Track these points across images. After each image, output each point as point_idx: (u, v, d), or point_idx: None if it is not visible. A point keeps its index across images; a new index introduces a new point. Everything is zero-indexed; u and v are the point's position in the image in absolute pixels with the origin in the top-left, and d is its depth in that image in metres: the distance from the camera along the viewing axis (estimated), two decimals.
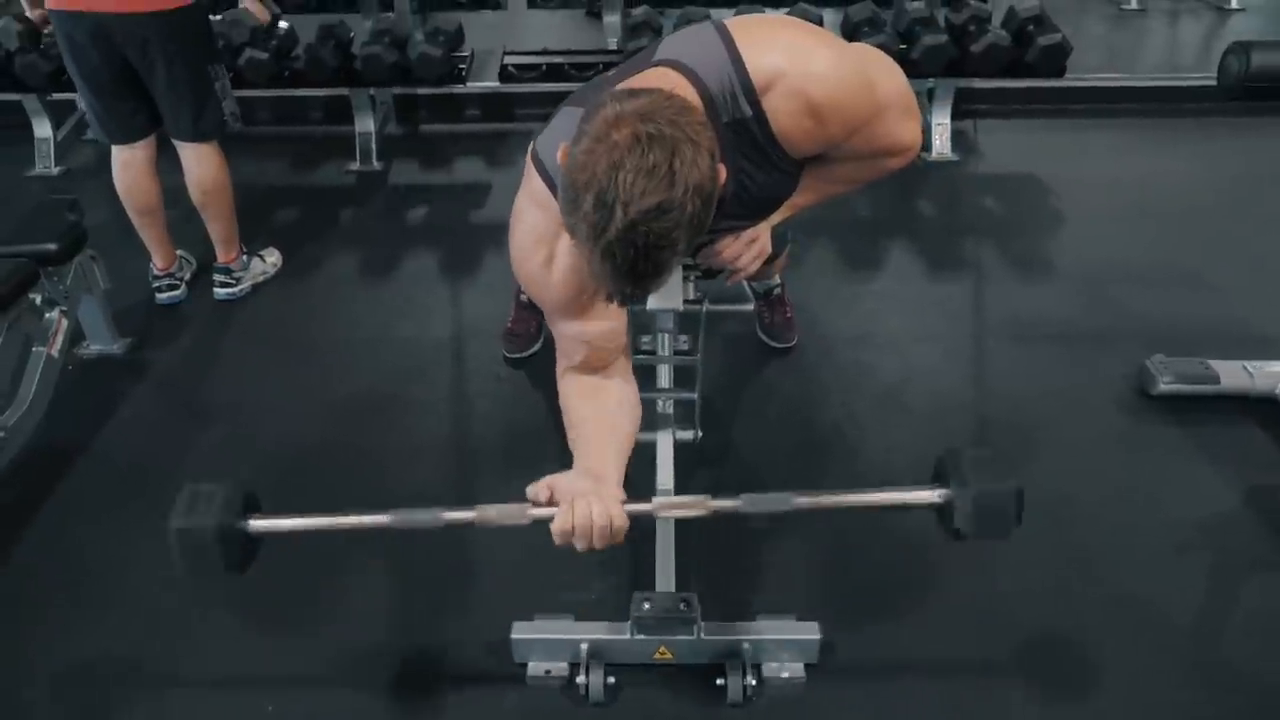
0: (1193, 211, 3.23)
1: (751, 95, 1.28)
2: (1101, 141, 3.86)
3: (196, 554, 1.31)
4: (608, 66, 3.49)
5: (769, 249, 1.56)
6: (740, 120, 1.30)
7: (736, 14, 3.15)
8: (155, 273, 2.79)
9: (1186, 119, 3.94)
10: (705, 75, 1.28)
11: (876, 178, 1.54)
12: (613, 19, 4.09)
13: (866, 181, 1.56)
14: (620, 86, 1.28)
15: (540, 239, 1.36)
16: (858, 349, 2.54)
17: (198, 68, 2.52)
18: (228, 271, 2.81)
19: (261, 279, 2.90)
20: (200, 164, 2.64)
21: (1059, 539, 1.91)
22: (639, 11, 3.71)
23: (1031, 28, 3.48)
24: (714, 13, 3.54)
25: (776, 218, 1.53)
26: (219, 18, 2.57)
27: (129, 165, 2.62)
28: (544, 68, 3.64)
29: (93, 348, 2.56)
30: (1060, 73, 3.47)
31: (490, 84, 3.85)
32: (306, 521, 1.38)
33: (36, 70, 3.45)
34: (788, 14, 3.44)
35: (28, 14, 2.88)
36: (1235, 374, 2.24)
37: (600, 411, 1.44)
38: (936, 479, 1.34)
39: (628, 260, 1.04)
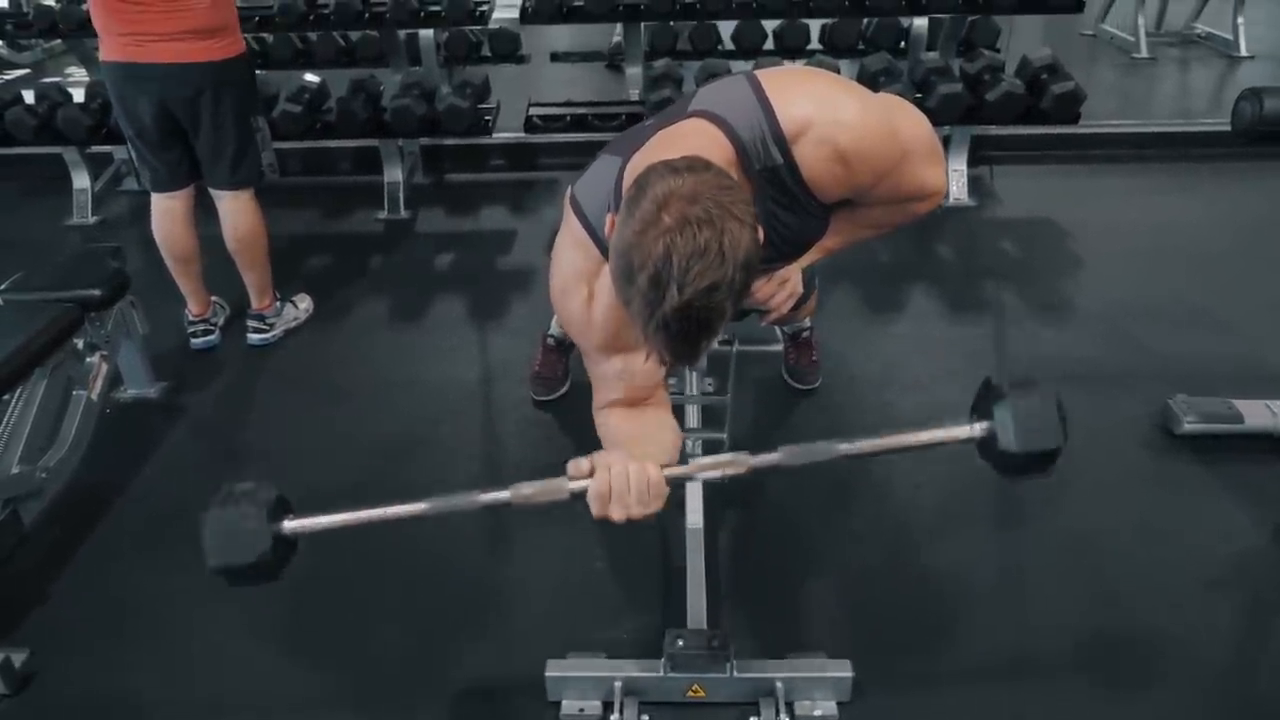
0: (1208, 254, 3.26)
1: (782, 144, 1.34)
2: (1116, 186, 3.91)
3: (234, 578, 1.32)
4: (630, 117, 3.59)
5: (800, 289, 1.61)
6: (772, 168, 1.35)
7: (755, 66, 3.23)
8: (190, 318, 2.85)
9: (1199, 163, 3.99)
10: (738, 125, 1.33)
11: (904, 222, 1.58)
12: (634, 71, 4.20)
13: (894, 225, 1.60)
14: (659, 136, 1.34)
15: (580, 277, 1.41)
16: (881, 390, 2.57)
17: (242, 117, 2.61)
18: (261, 318, 2.87)
19: (293, 324, 2.96)
20: (236, 213, 2.71)
21: (1086, 576, 1.92)
22: (660, 64, 3.80)
23: (1045, 76, 3.55)
24: (733, 65, 3.64)
25: (806, 259, 1.57)
26: None
27: (169, 213, 2.69)
28: (569, 118, 3.74)
29: (130, 391, 2.62)
30: (1074, 119, 3.53)
31: (515, 134, 3.95)
32: (342, 518, 1.35)
33: (77, 124, 3.58)
34: (808, 64, 3.54)
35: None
36: (1259, 413, 2.26)
37: (643, 428, 1.47)
38: (975, 412, 1.29)
39: (682, 332, 1.09)
